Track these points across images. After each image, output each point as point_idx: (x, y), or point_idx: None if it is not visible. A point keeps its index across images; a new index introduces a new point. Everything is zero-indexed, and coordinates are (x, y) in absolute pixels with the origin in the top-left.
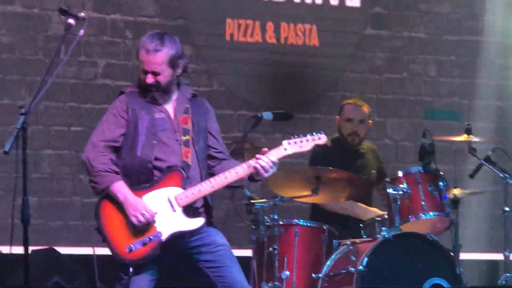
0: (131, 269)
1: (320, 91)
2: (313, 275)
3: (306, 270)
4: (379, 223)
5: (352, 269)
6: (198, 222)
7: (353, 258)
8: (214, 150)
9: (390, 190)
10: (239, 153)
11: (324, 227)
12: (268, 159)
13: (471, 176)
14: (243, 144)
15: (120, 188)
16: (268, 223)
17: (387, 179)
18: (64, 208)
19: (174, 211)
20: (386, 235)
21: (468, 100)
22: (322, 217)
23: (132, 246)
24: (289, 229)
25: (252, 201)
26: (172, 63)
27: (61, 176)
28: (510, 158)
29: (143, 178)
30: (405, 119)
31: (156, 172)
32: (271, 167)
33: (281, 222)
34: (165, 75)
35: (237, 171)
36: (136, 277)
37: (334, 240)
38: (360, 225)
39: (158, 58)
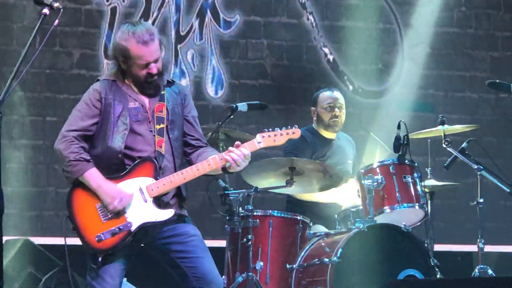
0: (99, 259)
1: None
2: (287, 265)
3: (280, 261)
4: (354, 214)
5: (326, 260)
6: (168, 213)
7: (327, 249)
8: (191, 137)
9: (364, 182)
10: (214, 144)
11: (299, 218)
12: (240, 152)
13: (446, 167)
14: (218, 135)
15: (93, 176)
16: (242, 214)
17: (362, 170)
18: (38, 198)
19: (145, 201)
20: (360, 227)
21: (443, 92)
22: (297, 208)
23: (102, 235)
24: (264, 220)
25: (226, 192)
26: (161, 45)
27: (36, 166)
28: (484, 150)
29: (114, 168)
30: (380, 110)
31: (127, 162)
32: (243, 161)
33: (255, 213)
34: (161, 60)
35: (209, 163)
36: (107, 266)
37: (308, 231)
38: (335, 216)
39: (155, 45)
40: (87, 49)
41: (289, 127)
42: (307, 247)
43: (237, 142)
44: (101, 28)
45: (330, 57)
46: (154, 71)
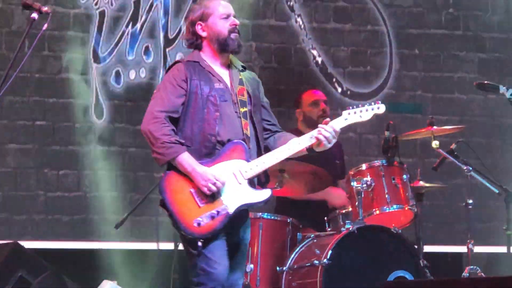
0: (199, 243)
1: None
2: (277, 268)
3: (270, 263)
4: (343, 216)
5: (316, 262)
6: (265, 193)
7: (317, 251)
8: (267, 123)
9: (353, 183)
10: None
11: (288, 220)
12: (331, 129)
13: (435, 169)
14: None
15: (187, 159)
16: None
17: (351, 172)
18: (28, 203)
19: (240, 183)
20: (350, 228)
21: (432, 93)
22: (287, 210)
23: (201, 219)
24: (254, 222)
25: None
26: None
27: (26, 170)
28: (473, 151)
29: (205, 152)
30: None
31: (217, 145)
32: (333, 137)
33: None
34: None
35: (300, 142)
36: (211, 248)
37: (298, 233)
38: (325, 218)
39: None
40: (76, 53)
41: (373, 103)
42: (297, 249)
43: (326, 119)
44: (89, 32)
45: (319, 59)
46: (236, 22)
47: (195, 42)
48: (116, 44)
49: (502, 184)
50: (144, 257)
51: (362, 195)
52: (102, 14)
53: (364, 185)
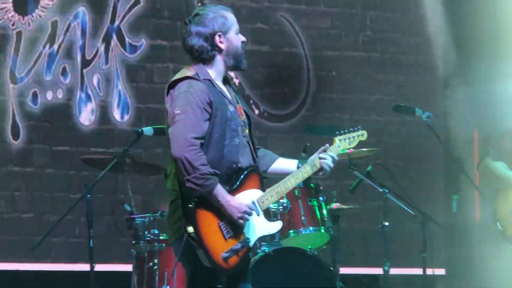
0: (225, 279)
1: None
2: None
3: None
4: (259, 238)
5: None
6: (278, 224)
7: None
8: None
9: (270, 205)
10: (120, 168)
11: None
12: (331, 158)
13: (351, 191)
14: (124, 159)
15: (221, 191)
16: (148, 238)
17: None
18: None
19: (258, 215)
20: (266, 250)
21: (349, 115)
22: None
23: (227, 254)
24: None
25: (132, 216)
26: None
27: None
28: (390, 173)
29: (225, 178)
30: (286, 134)
31: (238, 173)
32: (333, 163)
33: (161, 237)
34: None
35: (305, 171)
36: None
37: None
38: None
39: None
40: None
41: (355, 128)
42: None
43: (325, 146)
44: (6, 53)
45: (236, 81)
46: (244, 38)
47: (208, 54)
48: (33, 65)
49: (418, 206)
50: (60, 278)
51: (279, 217)
52: (19, 34)
53: (281, 207)
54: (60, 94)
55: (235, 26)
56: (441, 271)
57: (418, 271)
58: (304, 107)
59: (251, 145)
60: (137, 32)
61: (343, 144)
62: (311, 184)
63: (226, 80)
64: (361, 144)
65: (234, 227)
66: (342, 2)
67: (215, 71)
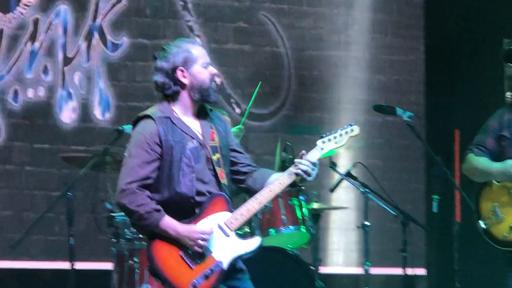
0: None
1: None
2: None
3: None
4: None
5: None
6: (255, 241)
7: None
8: (242, 165)
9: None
10: (100, 167)
11: None
12: (308, 162)
13: (332, 190)
14: (105, 157)
15: (169, 223)
16: (129, 236)
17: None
18: None
19: (228, 236)
20: None
21: (330, 115)
22: None
23: (196, 281)
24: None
25: (113, 214)
26: None
27: None
28: (370, 173)
29: (183, 211)
30: (267, 133)
31: (197, 205)
32: (312, 169)
33: (141, 236)
34: None
35: (281, 182)
36: None
37: None
38: None
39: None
40: None
41: (346, 126)
42: None
43: (302, 152)
44: None
45: (218, 80)
46: (216, 71)
47: (171, 90)
48: (15, 63)
49: (399, 206)
50: (39, 276)
51: (259, 216)
52: (0, 32)
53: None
54: (41, 92)
55: (201, 60)
56: (421, 271)
57: (398, 271)
58: (285, 106)
59: (217, 171)
60: (119, 30)
61: (329, 145)
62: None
63: (203, 111)
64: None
65: (198, 255)
66: (324, 2)
67: (181, 106)
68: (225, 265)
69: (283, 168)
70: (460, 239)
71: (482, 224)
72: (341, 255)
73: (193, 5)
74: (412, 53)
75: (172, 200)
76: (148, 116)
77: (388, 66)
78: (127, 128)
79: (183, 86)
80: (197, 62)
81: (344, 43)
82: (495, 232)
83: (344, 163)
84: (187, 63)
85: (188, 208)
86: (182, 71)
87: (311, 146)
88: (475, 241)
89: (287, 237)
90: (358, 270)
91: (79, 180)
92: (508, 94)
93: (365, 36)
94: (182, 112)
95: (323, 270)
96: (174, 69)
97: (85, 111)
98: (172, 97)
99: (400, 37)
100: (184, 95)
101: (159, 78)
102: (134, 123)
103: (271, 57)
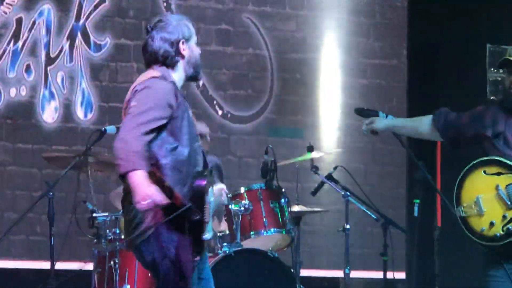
0: None
1: None
2: None
3: (147, 284)
4: (221, 239)
5: None
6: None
7: None
8: None
9: (232, 206)
10: (82, 167)
11: None
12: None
13: (313, 193)
14: (87, 158)
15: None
16: (109, 237)
17: (229, 195)
18: None
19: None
20: (227, 251)
21: (312, 118)
22: None
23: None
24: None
25: (94, 214)
26: None
27: None
28: (352, 176)
29: (186, 180)
30: (249, 136)
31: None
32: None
33: (123, 236)
34: None
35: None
36: None
37: None
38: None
39: None
40: None
41: None
42: None
43: None
44: None
45: (200, 82)
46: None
47: (172, 60)
48: None
49: (380, 210)
50: (20, 276)
51: (240, 218)
52: None
53: (242, 208)
54: (23, 91)
55: (194, 37)
56: (401, 275)
57: (378, 274)
58: (267, 109)
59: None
60: (102, 31)
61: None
62: (273, 186)
63: None
64: (324, 147)
65: None
66: (307, 5)
67: (176, 77)
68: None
69: (266, 171)
70: (441, 243)
71: (460, 211)
72: (322, 258)
73: (176, 6)
74: (395, 57)
75: (182, 164)
76: (157, 77)
77: (370, 70)
78: (109, 128)
79: (183, 58)
80: (193, 38)
81: (327, 47)
82: (473, 223)
83: (325, 167)
84: (187, 36)
85: (190, 176)
86: (183, 43)
87: (292, 149)
88: (456, 246)
89: (268, 239)
90: (339, 273)
91: (60, 180)
92: (491, 98)
93: (347, 39)
94: (177, 82)
95: (303, 273)
96: (177, 41)
97: (67, 111)
98: (170, 67)
99: (383, 41)
100: (180, 67)
101: (162, 46)
102: (138, 83)
103: (253, 59)
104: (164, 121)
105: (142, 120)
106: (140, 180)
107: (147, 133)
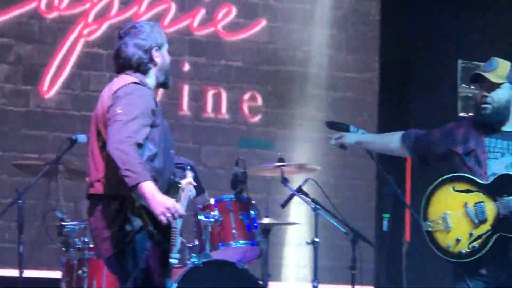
0: None
1: None
2: None
3: None
4: (189, 250)
5: None
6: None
7: None
8: None
9: (201, 217)
10: (52, 175)
11: None
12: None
13: (283, 206)
14: (57, 166)
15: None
16: (78, 246)
17: (199, 206)
18: None
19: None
20: (196, 262)
21: (283, 130)
22: None
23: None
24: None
25: (63, 223)
26: None
27: None
28: (322, 190)
29: (166, 188)
30: (220, 146)
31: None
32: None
33: (91, 245)
34: None
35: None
36: None
37: None
38: None
39: None
40: None
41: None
42: None
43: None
44: None
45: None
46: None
47: (145, 66)
48: None
49: (349, 223)
50: None
51: (209, 229)
52: None
53: (212, 220)
54: None
55: (166, 44)
56: None
57: (345, 287)
58: (239, 120)
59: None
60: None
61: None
62: (243, 198)
63: None
64: (294, 159)
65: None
66: (281, 17)
67: (149, 84)
68: None
69: (236, 182)
70: (409, 258)
71: (427, 226)
72: (291, 270)
73: (150, 16)
74: (367, 71)
75: (160, 173)
76: (137, 83)
77: (342, 83)
78: (81, 137)
79: (155, 65)
80: (165, 45)
81: (300, 59)
82: (439, 239)
83: (295, 179)
84: (160, 44)
85: (168, 184)
86: (156, 50)
87: (264, 160)
88: (424, 261)
89: (237, 251)
90: (307, 286)
91: (30, 188)
92: (461, 114)
93: (320, 52)
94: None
95: (272, 285)
96: (151, 48)
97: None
98: (144, 72)
99: (356, 54)
100: (152, 74)
101: (135, 52)
102: (118, 88)
103: (226, 70)
104: (149, 129)
105: (134, 128)
106: (153, 192)
107: (141, 142)
